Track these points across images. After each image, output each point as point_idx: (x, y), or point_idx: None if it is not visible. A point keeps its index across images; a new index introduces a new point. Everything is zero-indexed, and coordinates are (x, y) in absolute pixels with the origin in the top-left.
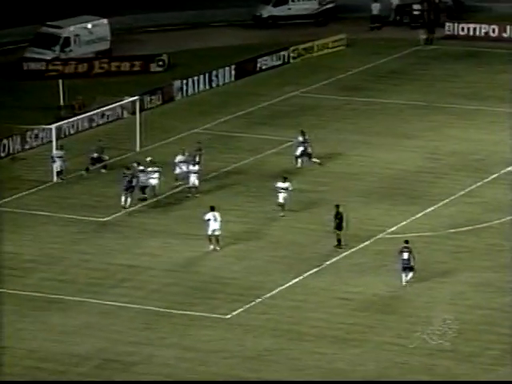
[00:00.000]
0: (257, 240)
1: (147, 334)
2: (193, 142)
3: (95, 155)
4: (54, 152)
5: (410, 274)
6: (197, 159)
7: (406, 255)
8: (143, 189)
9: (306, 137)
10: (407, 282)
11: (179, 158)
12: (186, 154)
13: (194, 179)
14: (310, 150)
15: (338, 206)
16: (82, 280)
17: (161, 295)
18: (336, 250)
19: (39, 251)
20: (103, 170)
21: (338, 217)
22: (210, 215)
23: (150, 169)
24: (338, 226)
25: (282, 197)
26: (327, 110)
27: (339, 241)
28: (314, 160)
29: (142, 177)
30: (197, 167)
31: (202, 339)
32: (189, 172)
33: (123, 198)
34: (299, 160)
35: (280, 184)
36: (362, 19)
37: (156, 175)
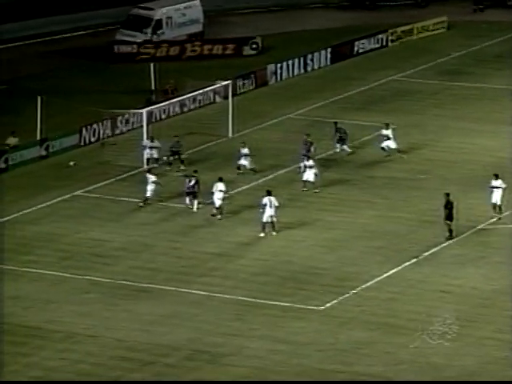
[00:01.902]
0: (351, 230)
1: (237, 325)
2: (287, 127)
3: (173, 149)
4: (145, 141)
5: None
6: (311, 151)
7: None
8: None
9: (338, 126)
10: None
11: (243, 151)
12: (247, 147)
13: (309, 173)
14: (337, 136)
15: (448, 195)
16: (170, 268)
17: (251, 285)
18: (443, 241)
19: (127, 238)
20: (182, 167)
21: (449, 206)
22: (266, 200)
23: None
24: (449, 216)
25: (494, 197)
26: (426, 95)
27: (451, 231)
28: (345, 147)
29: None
30: (311, 161)
31: (294, 331)
32: (305, 167)
33: (188, 201)
34: (338, 145)
35: (493, 182)
36: (465, 0)
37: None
